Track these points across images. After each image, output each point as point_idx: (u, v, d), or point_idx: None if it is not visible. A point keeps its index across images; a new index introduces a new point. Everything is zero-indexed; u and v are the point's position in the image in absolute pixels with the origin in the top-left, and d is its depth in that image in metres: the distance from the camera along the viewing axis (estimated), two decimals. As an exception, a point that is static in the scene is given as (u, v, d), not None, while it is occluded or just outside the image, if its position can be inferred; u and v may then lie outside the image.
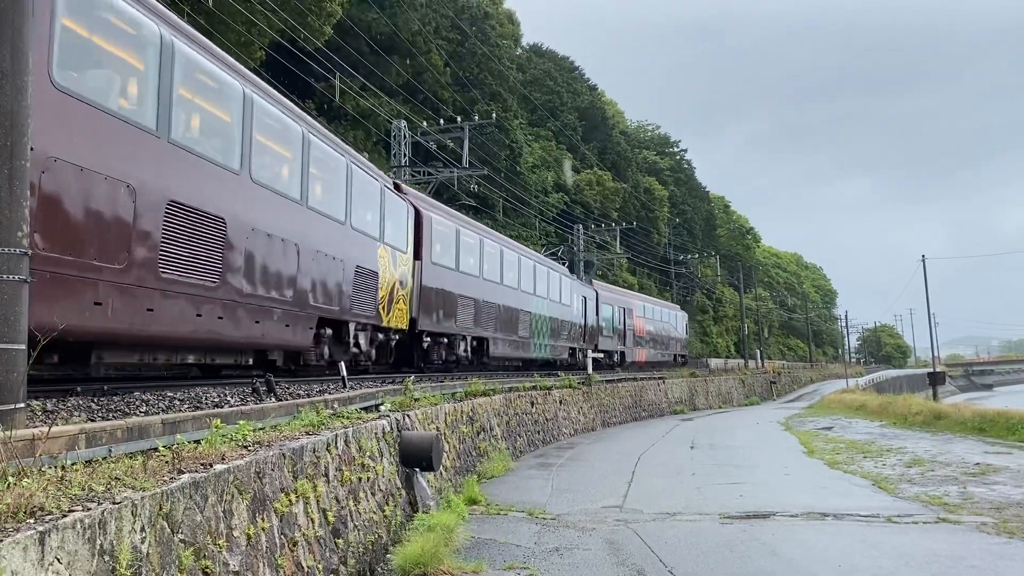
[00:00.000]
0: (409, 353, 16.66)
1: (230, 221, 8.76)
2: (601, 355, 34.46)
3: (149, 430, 5.18)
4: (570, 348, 29.67)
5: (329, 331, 11.97)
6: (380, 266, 13.81)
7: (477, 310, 19.40)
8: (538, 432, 18.96)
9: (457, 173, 31.90)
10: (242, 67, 9.74)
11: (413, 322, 15.85)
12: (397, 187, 16.00)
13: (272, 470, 5.54)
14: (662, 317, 46.37)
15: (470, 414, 13.78)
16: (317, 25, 28.00)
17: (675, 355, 49.42)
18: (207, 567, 4.34)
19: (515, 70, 52.59)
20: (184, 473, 4.45)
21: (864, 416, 31.68)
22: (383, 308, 14.01)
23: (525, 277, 23.98)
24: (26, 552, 2.92)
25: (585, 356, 30.58)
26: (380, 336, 14.52)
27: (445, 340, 17.96)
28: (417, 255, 16.18)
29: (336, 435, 7.12)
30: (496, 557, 7.89)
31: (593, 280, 37.56)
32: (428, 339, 16.89)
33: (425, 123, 32.90)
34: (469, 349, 19.38)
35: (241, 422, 6.12)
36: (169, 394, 7.34)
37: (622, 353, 37.78)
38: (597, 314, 34.13)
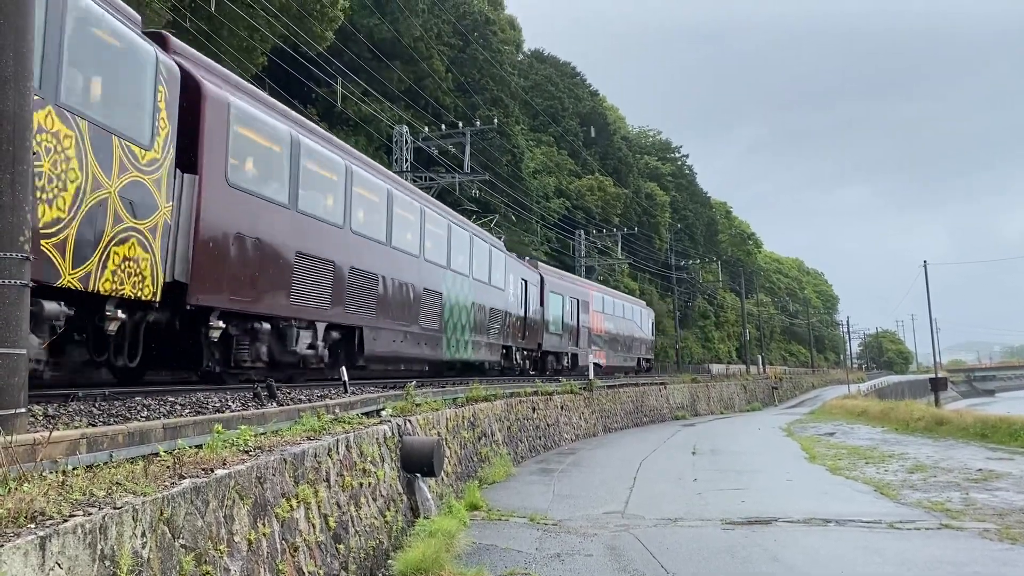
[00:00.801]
0: (190, 347, 9.60)
1: None
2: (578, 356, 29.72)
3: (150, 435, 5.17)
4: (504, 347, 22.27)
5: None
6: (48, 155, 6.42)
7: (340, 282, 12.00)
8: (539, 437, 18.93)
9: (459, 178, 32.00)
10: None
11: (177, 289, 8.59)
12: (162, 41, 8.76)
13: (273, 475, 5.54)
14: (625, 313, 39.18)
15: (471, 419, 13.77)
16: (319, 31, 28.07)
17: (639, 359, 41.79)
18: (208, 572, 4.33)
19: (517, 76, 52.68)
20: (185, 478, 4.44)
21: (866, 422, 31.63)
22: (57, 249, 6.61)
23: (434, 241, 16.54)
24: (27, 557, 2.91)
25: (525, 358, 25.63)
26: (55, 309, 6.80)
27: (267, 327, 10.42)
28: (190, 164, 8.81)
29: (337, 440, 7.11)
30: (497, 563, 7.87)
31: (539, 263, 29.93)
32: (223, 324, 9.46)
33: (427, 128, 32.95)
34: (322, 344, 11.88)
35: (242, 427, 6.11)
36: (170, 399, 7.33)
37: (573, 356, 30.71)
38: (542, 304, 26.83)
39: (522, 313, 24.37)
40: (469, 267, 19.08)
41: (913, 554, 8.17)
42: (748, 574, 7.56)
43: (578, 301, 31.24)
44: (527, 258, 29.67)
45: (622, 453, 19.17)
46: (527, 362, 26.11)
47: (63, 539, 3.14)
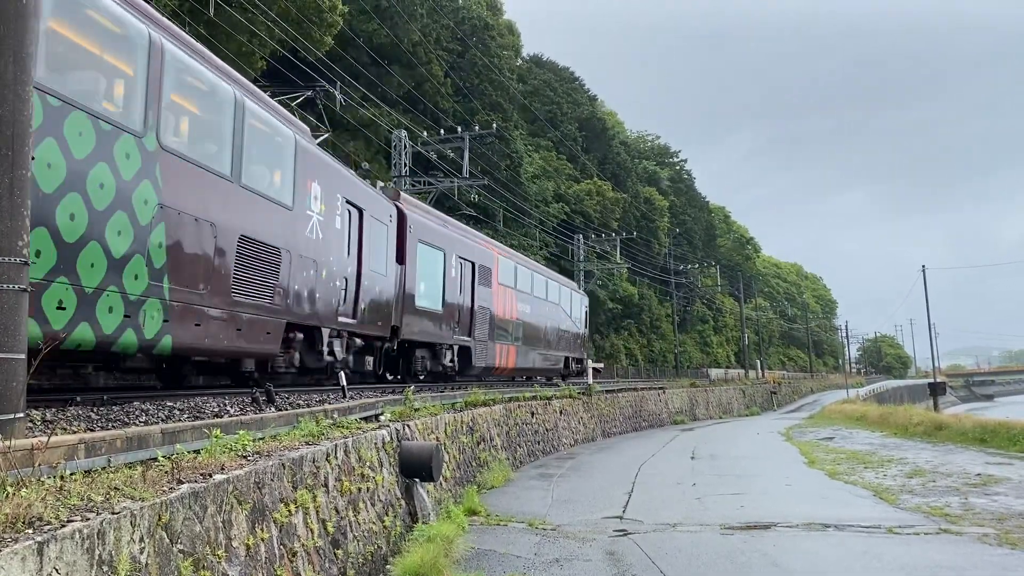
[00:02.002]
0: None
1: None
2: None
3: (148, 440, 5.17)
4: (300, 331, 10.86)
5: None
6: None
7: None
8: (538, 442, 18.91)
9: (457, 183, 31.97)
10: None
11: None
12: None
13: (271, 480, 5.52)
14: (548, 294, 26.86)
15: (470, 424, 13.76)
16: (318, 35, 28.12)
17: (567, 359, 29.04)
18: (206, 578, 4.32)
19: (515, 80, 52.75)
20: (183, 483, 4.43)
21: (865, 427, 31.62)
22: None
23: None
24: (24, 562, 2.90)
25: (361, 353, 13.58)
26: None
27: None
28: None
29: (336, 445, 7.10)
30: (496, 568, 7.86)
31: (402, 193, 17.00)
32: None
33: (425, 133, 32.98)
34: None
35: (241, 432, 6.11)
36: (169, 404, 7.33)
37: (463, 349, 19.04)
38: (402, 261, 15.14)
39: (353, 269, 12.64)
40: (154, 120, 7.24)
41: (912, 559, 8.16)
42: (747, 579, 7.55)
43: (473, 265, 19.55)
44: (384, 184, 18.84)
45: (621, 458, 19.15)
46: (369, 359, 14.25)
47: (61, 544, 3.14)
